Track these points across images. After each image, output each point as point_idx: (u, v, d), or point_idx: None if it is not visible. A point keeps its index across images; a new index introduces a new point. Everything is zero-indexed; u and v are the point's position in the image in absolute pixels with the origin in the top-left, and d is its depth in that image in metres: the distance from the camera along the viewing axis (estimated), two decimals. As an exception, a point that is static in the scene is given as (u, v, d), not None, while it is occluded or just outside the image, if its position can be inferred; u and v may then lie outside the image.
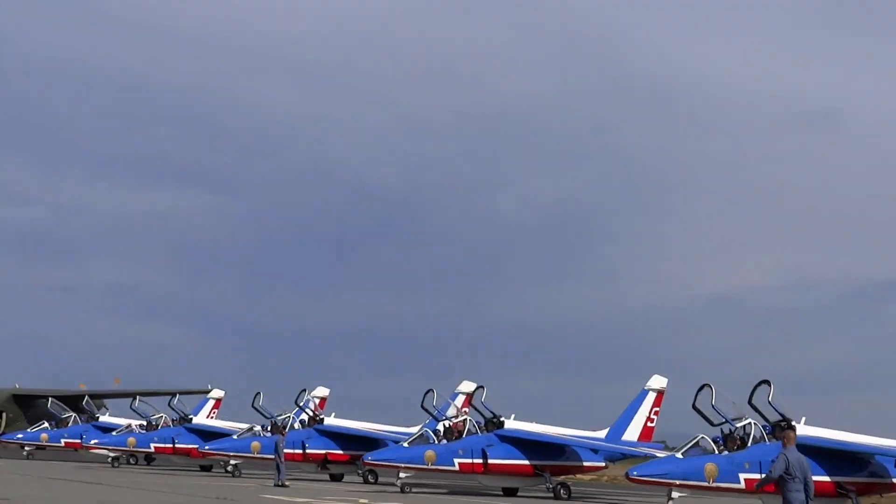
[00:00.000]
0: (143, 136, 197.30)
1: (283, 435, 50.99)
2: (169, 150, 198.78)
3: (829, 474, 37.98)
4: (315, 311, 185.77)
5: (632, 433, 51.80)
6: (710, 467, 36.78)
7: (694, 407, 37.63)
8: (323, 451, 55.53)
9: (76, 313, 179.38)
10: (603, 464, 51.30)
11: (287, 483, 46.61)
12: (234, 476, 55.07)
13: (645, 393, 52.50)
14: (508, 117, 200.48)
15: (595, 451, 50.05)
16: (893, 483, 40.07)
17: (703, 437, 37.65)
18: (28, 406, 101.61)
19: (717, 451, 37.04)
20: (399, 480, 45.90)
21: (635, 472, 37.29)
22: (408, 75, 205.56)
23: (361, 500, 37.64)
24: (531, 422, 49.46)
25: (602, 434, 51.95)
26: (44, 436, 72.91)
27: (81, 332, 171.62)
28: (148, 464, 68.35)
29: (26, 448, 72.91)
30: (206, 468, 63.11)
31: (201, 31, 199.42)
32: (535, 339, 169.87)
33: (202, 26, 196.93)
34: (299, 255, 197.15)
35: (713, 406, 37.21)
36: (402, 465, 46.18)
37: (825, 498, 37.02)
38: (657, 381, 52.80)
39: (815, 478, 24.64)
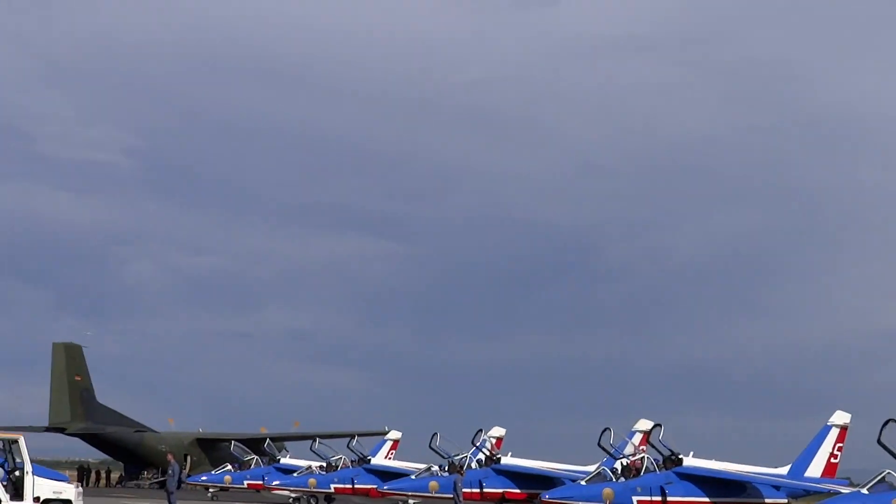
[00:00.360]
0: (320, 186, 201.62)
1: (461, 474, 51.03)
2: (346, 199, 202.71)
3: None
4: (490, 350, 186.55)
5: (815, 469, 50.65)
6: (897, 503, 35.72)
7: (879, 442, 36.64)
8: (500, 490, 55.49)
9: (256, 359, 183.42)
10: (785, 501, 50.24)
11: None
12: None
13: (828, 429, 51.34)
14: (682, 156, 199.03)
15: (777, 487, 49.07)
16: None
17: (889, 473, 36.56)
18: (211, 449, 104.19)
19: (904, 487, 35.97)
20: (577, 519, 45.71)
21: (819, 509, 36.50)
22: (580, 117, 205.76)
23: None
24: (710, 459, 48.73)
25: (784, 471, 50.94)
26: (227, 478, 74.43)
27: (261, 377, 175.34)
28: (328, 503, 69.31)
29: (211, 490, 74.53)
30: (384, 508, 63.73)
31: (373, 86, 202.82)
32: (712, 375, 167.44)
33: (375, 80, 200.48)
34: (474, 296, 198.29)
35: (899, 441, 36.19)
36: (579, 504, 45.92)
37: None
38: (840, 417, 51.60)
39: None
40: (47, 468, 39.16)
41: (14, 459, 33.94)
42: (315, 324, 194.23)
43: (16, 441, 33.99)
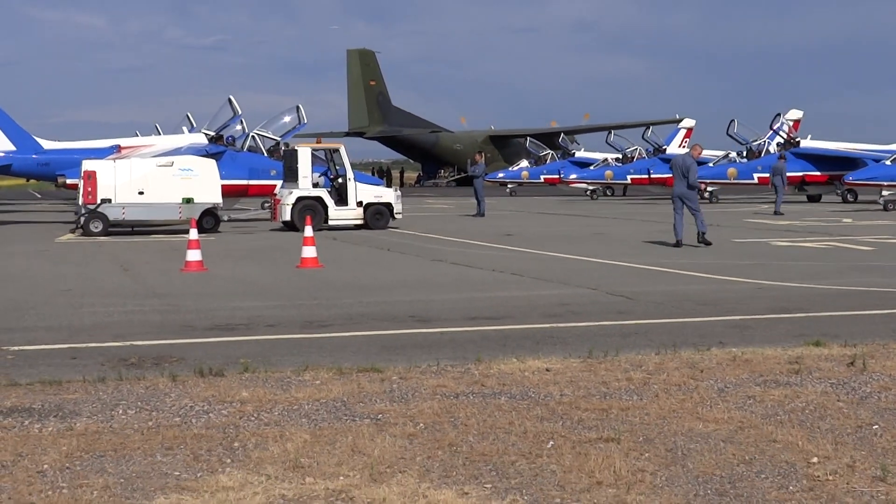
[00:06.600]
0: None
1: (784, 159, 48.41)
2: None
3: None
4: (784, 30, 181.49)
5: None
6: None
7: None
8: (800, 174, 55.35)
9: (542, 53, 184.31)
10: None
11: (783, 211, 44.84)
12: (717, 202, 55.44)
13: None
14: None
15: None
16: None
17: None
18: (504, 146, 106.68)
19: None
20: (881, 198, 45.34)
21: None
22: None
23: (845, 220, 37.71)
24: None
25: None
26: (524, 173, 76.35)
27: (548, 71, 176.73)
28: (624, 195, 70.42)
29: (509, 186, 76.59)
30: (681, 196, 64.30)
31: None
32: None
33: None
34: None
35: None
36: (885, 184, 45.46)
37: None
38: None
39: None
40: (364, 174, 41.38)
41: (336, 167, 35.91)
42: (599, 13, 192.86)
43: (337, 150, 35.88)
